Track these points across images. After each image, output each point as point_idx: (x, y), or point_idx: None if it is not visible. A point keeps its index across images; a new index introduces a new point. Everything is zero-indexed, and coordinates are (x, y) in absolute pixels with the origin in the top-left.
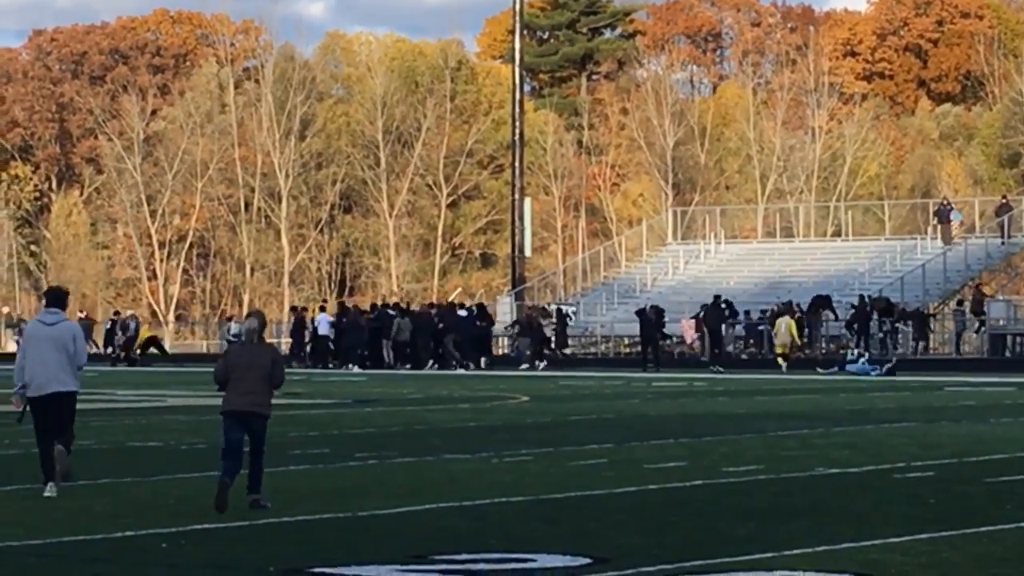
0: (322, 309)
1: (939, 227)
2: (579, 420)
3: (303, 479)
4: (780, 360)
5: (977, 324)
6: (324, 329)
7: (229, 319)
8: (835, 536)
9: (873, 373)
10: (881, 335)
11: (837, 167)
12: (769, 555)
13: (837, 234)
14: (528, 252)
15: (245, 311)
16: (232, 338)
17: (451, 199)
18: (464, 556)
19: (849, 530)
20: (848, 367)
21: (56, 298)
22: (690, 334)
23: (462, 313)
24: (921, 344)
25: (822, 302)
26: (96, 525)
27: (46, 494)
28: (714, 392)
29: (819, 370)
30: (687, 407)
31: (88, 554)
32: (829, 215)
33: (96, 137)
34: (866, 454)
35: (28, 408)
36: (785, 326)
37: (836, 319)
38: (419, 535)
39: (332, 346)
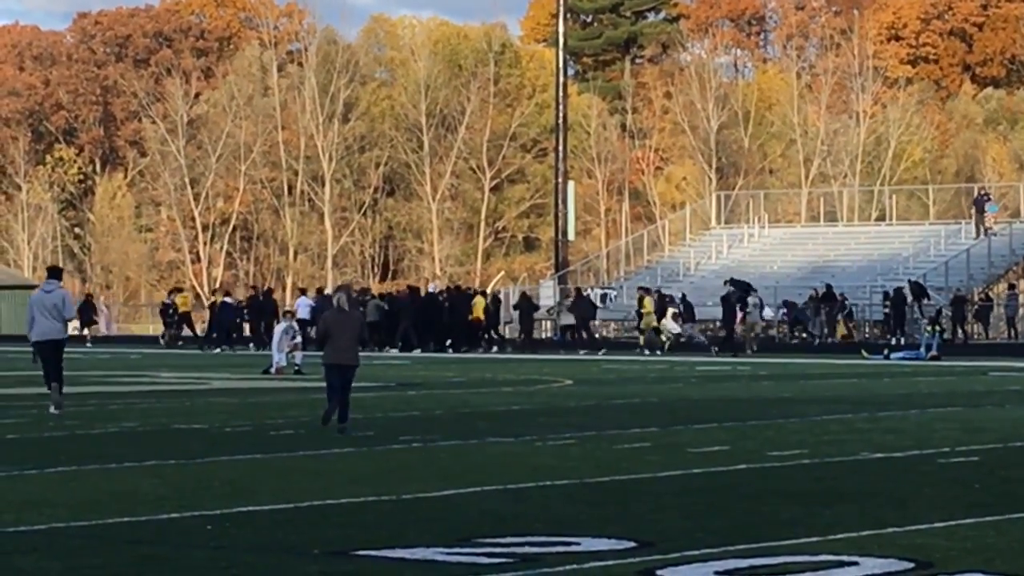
0: (303, 292)
1: (975, 217)
2: (622, 404)
3: (347, 462)
4: (642, 339)
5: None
6: (304, 313)
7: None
8: (880, 520)
9: (921, 357)
10: (918, 319)
11: (881, 151)
12: (814, 539)
13: (881, 218)
14: (571, 236)
15: (289, 295)
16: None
17: (494, 183)
18: (508, 539)
19: (894, 514)
20: (892, 356)
21: (55, 272)
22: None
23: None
24: (960, 330)
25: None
26: (141, 507)
27: (51, 410)
28: (758, 376)
29: (864, 354)
30: (731, 391)
31: (133, 536)
32: (873, 199)
33: (140, 120)
34: (911, 438)
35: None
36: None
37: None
38: (463, 518)
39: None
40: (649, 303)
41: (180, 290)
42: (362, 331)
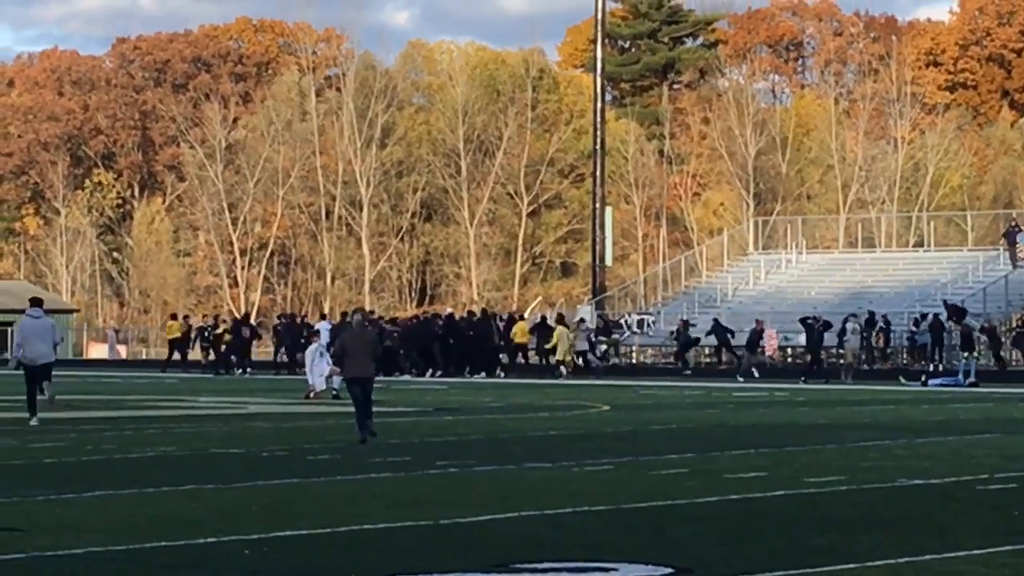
0: (323, 317)
1: (1008, 250)
2: (660, 429)
3: (384, 487)
4: (562, 367)
5: None
6: (324, 337)
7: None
8: (918, 547)
9: (960, 384)
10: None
11: (919, 177)
12: (851, 566)
13: (919, 244)
14: (609, 261)
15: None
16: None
17: (532, 208)
18: (546, 564)
19: (932, 542)
20: (931, 382)
21: (38, 302)
22: (772, 344)
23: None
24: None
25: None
26: (179, 531)
27: (31, 423)
28: (795, 402)
29: (902, 380)
30: (767, 417)
31: (171, 560)
32: (911, 225)
33: (178, 145)
34: (948, 465)
35: (23, 366)
36: (563, 336)
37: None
38: (501, 543)
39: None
40: (559, 334)
41: (175, 317)
42: (376, 348)
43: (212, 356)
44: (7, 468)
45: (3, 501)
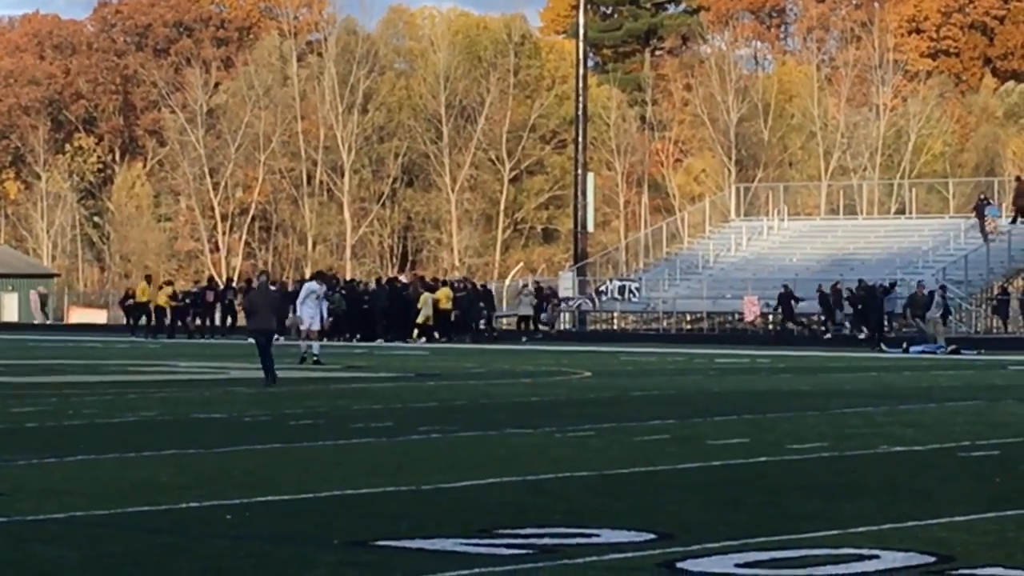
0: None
1: (977, 223)
2: (642, 396)
3: (367, 452)
4: (416, 332)
5: None
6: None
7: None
8: (900, 514)
9: (939, 352)
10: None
11: (901, 144)
12: (834, 532)
13: (901, 212)
14: (591, 227)
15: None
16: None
17: (513, 174)
18: (528, 530)
19: (914, 508)
20: (912, 349)
21: None
22: (752, 311)
23: None
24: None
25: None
26: (160, 496)
27: None
28: (777, 369)
29: (883, 347)
30: (750, 384)
31: (152, 525)
32: (893, 193)
33: (159, 109)
34: (931, 432)
35: None
36: (427, 301)
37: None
38: (483, 509)
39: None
40: (424, 299)
41: (149, 279)
42: (276, 305)
43: (200, 322)
44: None
45: None
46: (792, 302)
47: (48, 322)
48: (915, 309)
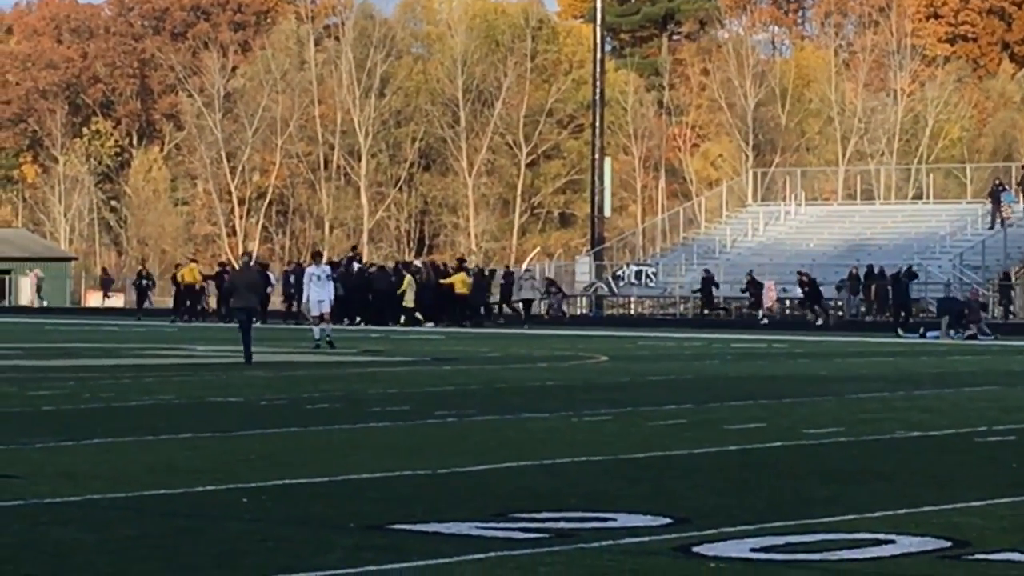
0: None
1: (991, 208)
2: (658, 380)
3: (383, 436)
4: (404, 316)
5: None
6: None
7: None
8: (916, 499)
9: (956, 337)
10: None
11: (919, 129)
12: (850, 517)
13: (918, 197)
14: (607, 212)
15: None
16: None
17: (530, 158)
18: (544, 515)
19: (930, 493)
20: (928, 335)
21: None
22: (770, 297)
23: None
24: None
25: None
26: (177, 479)
27: None
28: (793, 354)
29: (900, 332)
30: (766, 368)
31: (169, 508)
32: (910, 178)
33: (177, 93)
34: (947, 417)
35: None
36: (410, 283)
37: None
38: (499, 493)
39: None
40: (408, 281)
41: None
42: (257, 285)
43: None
44: (5, 415)
45: (1, 448)
46: (713, 288)
47: (45, 304)
48: (972, 314)
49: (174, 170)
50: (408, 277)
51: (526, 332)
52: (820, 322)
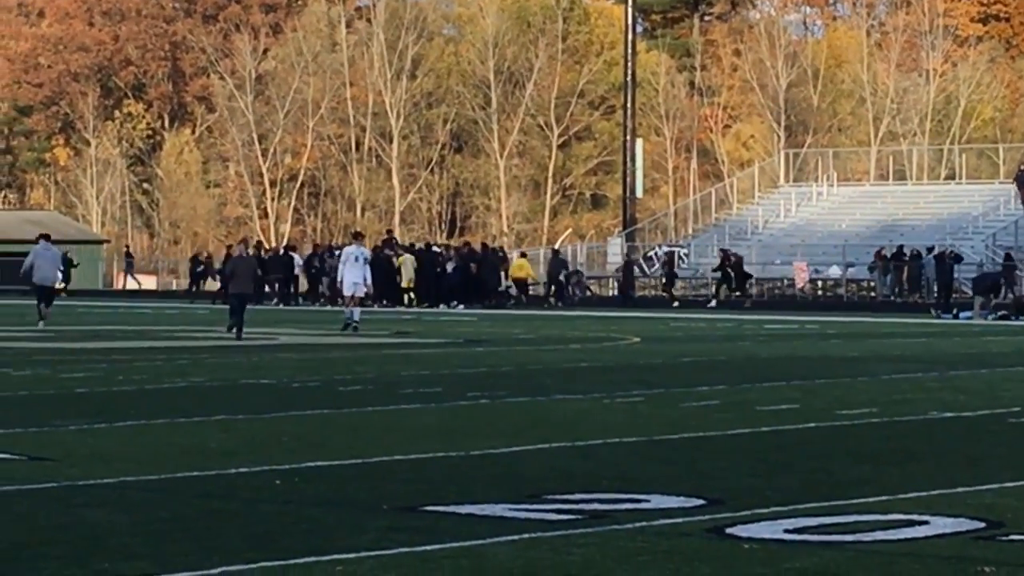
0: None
1: (1018, 192)
2: (691, 362)
3: (415, 418)
4: (406, 296)
5: None
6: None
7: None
8: (950, 480)
9: (990, 317)
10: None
11: (951, 110)
12: (884, 498)
13: (951, 177)
14: (639, 193)
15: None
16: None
17: (562, 140)
18: (577, 496)
19: (964, 474)
20: (962, 315)
21: (48, 236)
22: (802, 277)
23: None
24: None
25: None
26: (210, 461)
27: (40, 325)
28: (826, 335)
29: (933, 312)
30: (799, 349)
31: (202, 490)
32: (943, 158)
33: (208, 76)
34: (981, 398)
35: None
36: (408, 262)
37: None
38: (531, 474)
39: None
40: (403, 260)
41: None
42: (254, 272)
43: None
44: (39, 398)
45: (35, 430)
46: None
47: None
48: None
49: (206, 152)
50: (405, 256)
51: (559, 313)
52: (747, 304)
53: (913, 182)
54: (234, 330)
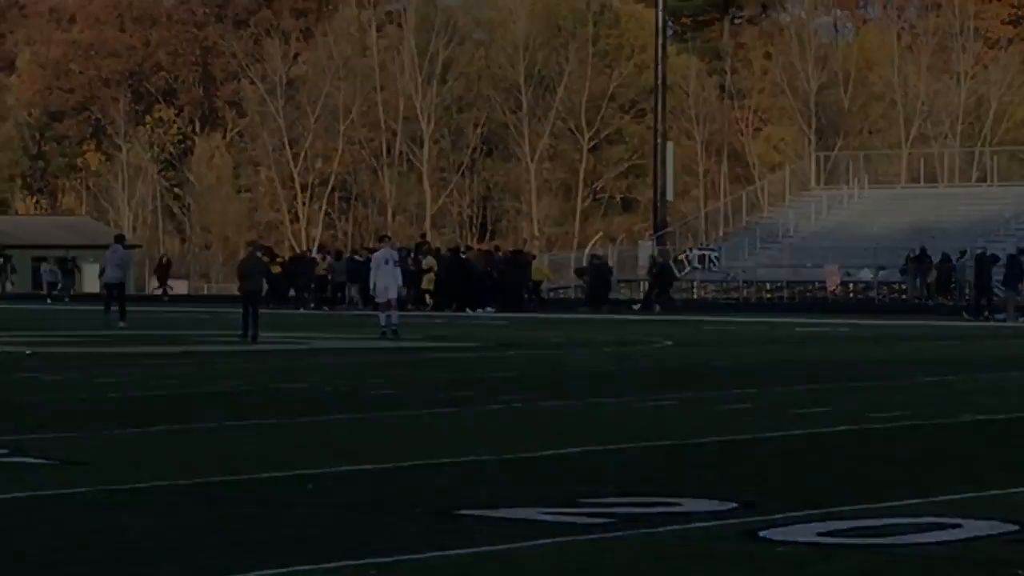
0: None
1: None
2: (723, 365)
3: (448, 422)
4: (427, 297)
5: None
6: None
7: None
8: (983, 483)
9: (1021, 320)
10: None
11: (982, 112)
12: (916, 501)
13: (982, 180)
14: (670, 197)
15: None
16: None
17: (593, 143)
18: (610, 500)
19: (997, 476)
20: (996, 316)
21: (120, 238)
22: (833, 280)
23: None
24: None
25: None
26: (242, 466)
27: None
28: (858, 337)
29: (965, 315)
30: (830, 352)
31: (234, 494)
32: (974, 160)
33: (239, 81)
34: (1013, 400)
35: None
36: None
37: None
38: (564, 478)
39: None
40: (430, 261)
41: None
42: (264, 272)
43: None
44: (72, 402)
45: (67, 435)
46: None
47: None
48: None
49: (237, 157)
50: (428, 259)
51: (590, 317)
52: (658, 308)
53: (944, 184)
54: (251, 330)
